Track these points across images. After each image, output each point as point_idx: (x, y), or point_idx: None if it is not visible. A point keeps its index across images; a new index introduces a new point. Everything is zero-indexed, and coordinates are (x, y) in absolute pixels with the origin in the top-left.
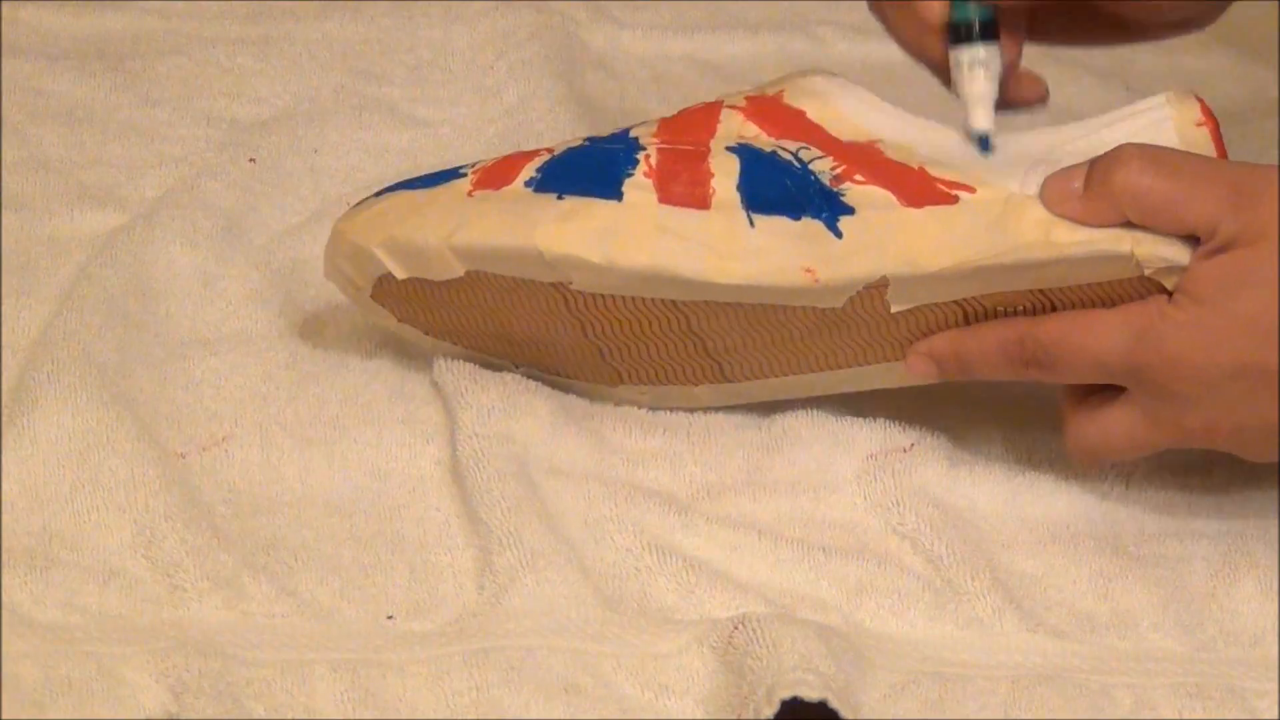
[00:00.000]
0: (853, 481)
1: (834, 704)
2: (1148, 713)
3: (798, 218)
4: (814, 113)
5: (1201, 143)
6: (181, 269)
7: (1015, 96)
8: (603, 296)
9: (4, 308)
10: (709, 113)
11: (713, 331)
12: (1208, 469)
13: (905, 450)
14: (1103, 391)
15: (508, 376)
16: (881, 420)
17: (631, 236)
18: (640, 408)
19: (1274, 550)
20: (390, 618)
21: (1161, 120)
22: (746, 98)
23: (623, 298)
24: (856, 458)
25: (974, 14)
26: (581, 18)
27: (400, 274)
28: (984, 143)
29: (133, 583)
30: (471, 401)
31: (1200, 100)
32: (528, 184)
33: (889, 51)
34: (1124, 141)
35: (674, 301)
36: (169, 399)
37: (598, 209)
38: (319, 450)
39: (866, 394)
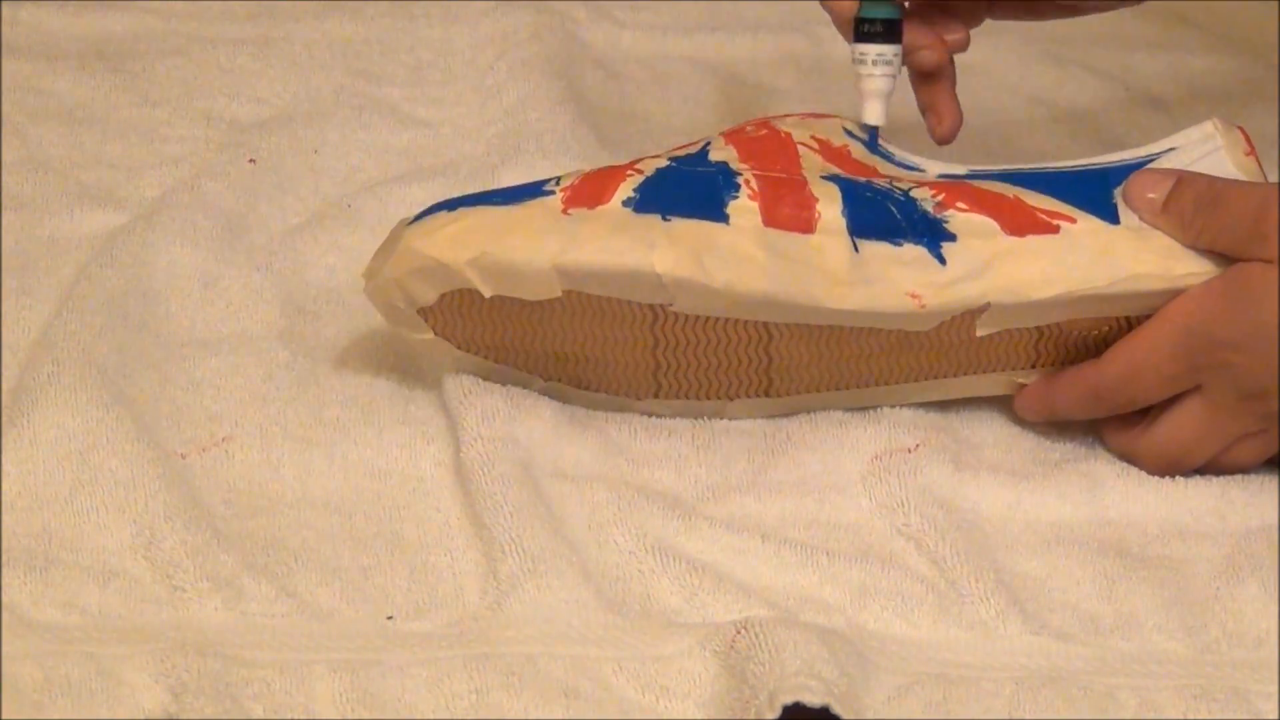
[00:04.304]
0: (858, 483)
1: (836, 710)
2: (1152, 714)
3: (899, 244)
4: (884, 169)
5: (1253, 170)
6: (181, 269)
7: (926, 120)
8: (697, 318)
9: (4, 308)
10: (781, 144)
11: (788, 351)
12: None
13: (910, 450)
14: (1159, 405)
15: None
16: (887, 421)
17: (746, 261)
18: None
19: (1276, 552)
20: (390, 618)
21: (1214, 150)
22: (814, 138)
23: (716, 319)
24: (862, 459)
25: (878, 13)
26: (581, 18)
27: (488, 292)
28: (872, 135)
29: (133, 583)
30: (476, 404)
31: (1241, 129)
32: (626, 204)
33: None
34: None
35: (767, 324)
36: (169, 399)
37: (708, 232)
38: (319, 451)
39: None
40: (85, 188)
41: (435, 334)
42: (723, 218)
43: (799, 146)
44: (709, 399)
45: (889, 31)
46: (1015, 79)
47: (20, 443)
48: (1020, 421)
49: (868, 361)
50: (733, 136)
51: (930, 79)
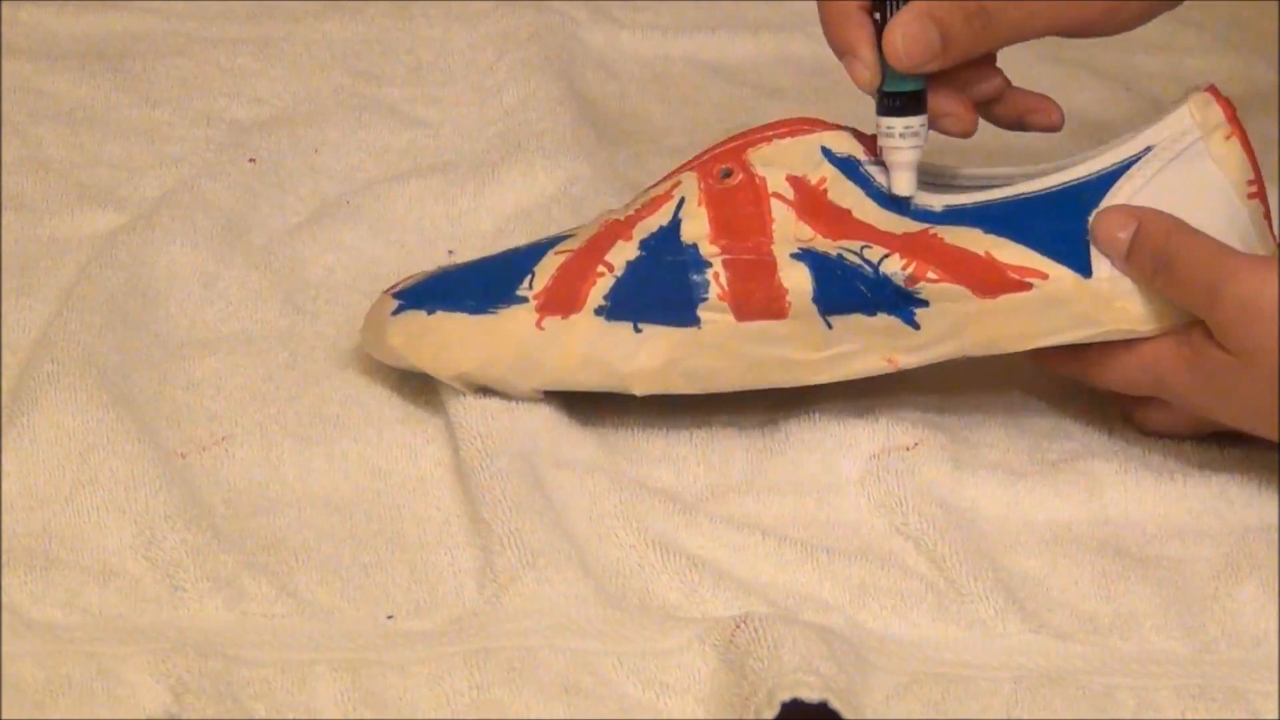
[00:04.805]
0: (856, 482)
1: (835, 705)
2: (1150, 714)
3: (873, 314)
4: (859, 212)
5: (1234, 158)
6: (181, 269)
7: (1032, 123)
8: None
9: (4, 308)
10: (756, 200)
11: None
12: (1210, 470)
13: (909, 449)
14: None
15: None
16: (885, 421)
17: (719, 366)
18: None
19: (1275, 551)
20: (390, 617)
21: (1192, 144)
22: (790, 180)
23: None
24: (860, 458)
25: (902, 87)
26: (581, 18)
27: (471, 394)
28: (903, 203)
29: (133, 583)
30: (476, 403)
31: (1217, 98)
32: (598, 312)
33: None
34: (1165, 183)
35: None
36: (169, 399)
37: (679, 340)
38: (319, 450)
39: (871, 394)
40: (85, 188)
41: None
42: (694, 321)
43: (773, 200)
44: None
45: (914, 103)
46: (1015, 79)
47: (20, 443)
48: (1019, 421)
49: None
50: (706, 184)
51: (999, 100)
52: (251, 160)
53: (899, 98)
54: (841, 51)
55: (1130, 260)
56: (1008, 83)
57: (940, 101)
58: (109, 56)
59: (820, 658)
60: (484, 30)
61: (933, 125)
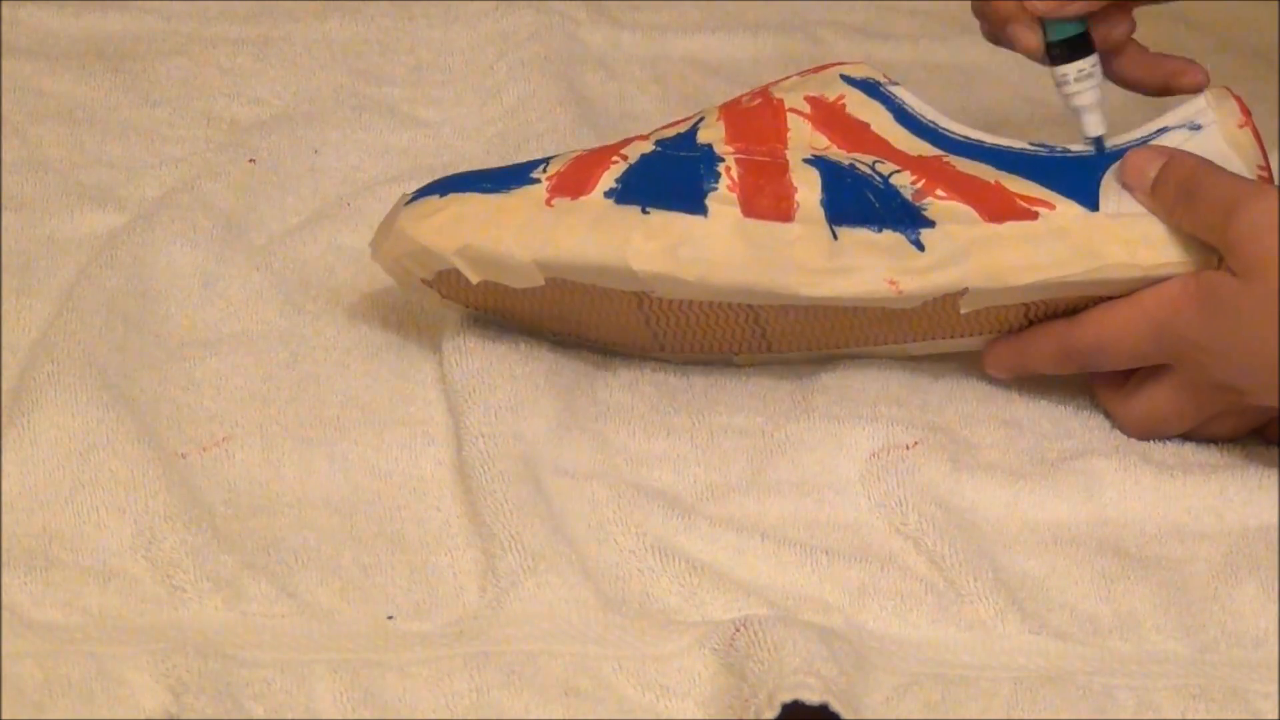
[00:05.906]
0: (856, 482)
1: (835, 707)
2: (1150, 714)
3: (879, 230)
4: (877, 126)
5: (1246, 143)
6: (181, 269)
7: (1179, 86)
8: (680, 301)
9: (4, 308)
10: (774, 115)
11: (778, 323)
12: (1209, 470)
13: (908, 448)
14: (1141, 371)
15: (517, 373)
16: (884, 420)
17: (721, 255)
18: (648, 399)
19: (1275, 551)
20: (390, 618)
21: (1208, 126)
22: (807, 99)
23: (700, 302)
24: (860, 458)
25: (1070, 32)
26: (581, 18)
27: (474, 279)
28: (1099, 144)
29: (133, 583)
30: (479, 401)
31: (1236, 98)
32: (608, 194)
33: (889, 52)
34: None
35: (751, 304)
36: (169, 399)
37: (685, 225)
38: (319, 450)
39: (869, 394)
40: (85, 188)
41: (441, 297)
42: (701, 209)
43: (789, 114)
44: (714, 354)
45: (1082, 46)
46: (1015, 79)
47: (20, 443)
48: (1019, 421)
49: (859, 329)
50: (727, 110)
51: (1131, 63)
52: (251, 160)
53: (1065, 44)
54: (1000, 24)
55: (1154, 192)
56: (1133, 27)
57: (1099, 30)
58: (109, 56)
59: (821, 659)
60: (484, 30)
61: (1099, 41)
